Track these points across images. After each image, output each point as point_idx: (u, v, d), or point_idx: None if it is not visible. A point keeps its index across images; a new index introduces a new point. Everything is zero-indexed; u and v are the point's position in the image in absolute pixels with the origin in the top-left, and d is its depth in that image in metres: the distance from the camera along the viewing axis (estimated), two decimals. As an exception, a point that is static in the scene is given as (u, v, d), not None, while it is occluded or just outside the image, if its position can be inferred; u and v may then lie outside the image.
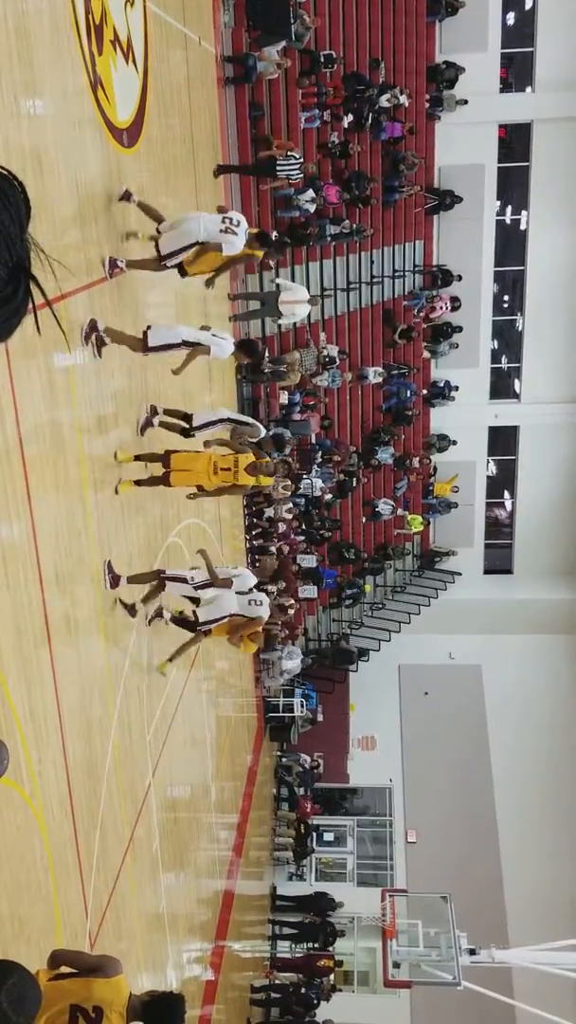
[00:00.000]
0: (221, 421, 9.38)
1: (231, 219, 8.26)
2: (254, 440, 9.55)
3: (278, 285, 15.13)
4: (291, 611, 17.80)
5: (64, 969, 4.24)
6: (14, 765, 5.40)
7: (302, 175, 14.84)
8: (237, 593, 9.08)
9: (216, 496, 9.53)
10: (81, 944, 6.73)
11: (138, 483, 8.19)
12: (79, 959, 4.33)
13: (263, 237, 9.01)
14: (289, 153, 15.35)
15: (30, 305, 1.36)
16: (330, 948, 18.35)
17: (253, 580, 9.54)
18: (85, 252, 7.21)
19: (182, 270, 8.37)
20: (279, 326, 16.41)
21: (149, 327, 8.00)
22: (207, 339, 8.37)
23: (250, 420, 9.83)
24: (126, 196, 8.09)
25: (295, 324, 17.89)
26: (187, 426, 9.04)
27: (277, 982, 17.35)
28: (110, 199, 7.84)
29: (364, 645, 22.57)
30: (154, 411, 8.97)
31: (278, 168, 14.25)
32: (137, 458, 8.17)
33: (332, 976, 17.80)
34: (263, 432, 9.96)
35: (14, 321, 1.34)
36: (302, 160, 15.50)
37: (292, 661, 18.76)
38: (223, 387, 14.61)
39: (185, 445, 9.06)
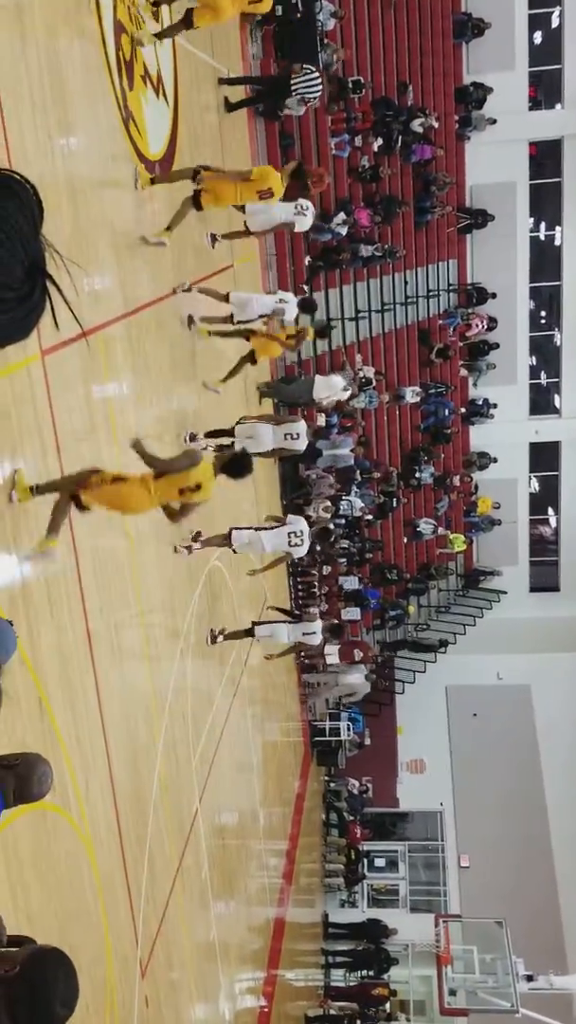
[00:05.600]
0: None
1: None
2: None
3: (314, 379, 14.57)
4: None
5: None
6: (62, 792, 5.43)
7: (319, 91, 13.06)
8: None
9: None
10: (132, 973, 6.71)
11: None
12: None
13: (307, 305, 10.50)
14: (304, 67, 13.22)
15: (47, 304, 1.40)
16: (385, 976, 18.06)
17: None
18: (121, 282, 7.32)
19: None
20: (315, 347, 16.28)
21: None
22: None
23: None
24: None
25: (331, 347, 17.90)
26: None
27: (332, 1012, 17.09)
28: (143, 228, 7.95)
29: (410, 667, 22.37)
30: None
31: (293, 86, 12.68)
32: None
33: (388, 1005, 17.50)
34: None
35: (32, 318, 1.39)
36: (318, 73, 13.38)
37: (355, 675, 18.10)
38: (260, 410, 14.65)
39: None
